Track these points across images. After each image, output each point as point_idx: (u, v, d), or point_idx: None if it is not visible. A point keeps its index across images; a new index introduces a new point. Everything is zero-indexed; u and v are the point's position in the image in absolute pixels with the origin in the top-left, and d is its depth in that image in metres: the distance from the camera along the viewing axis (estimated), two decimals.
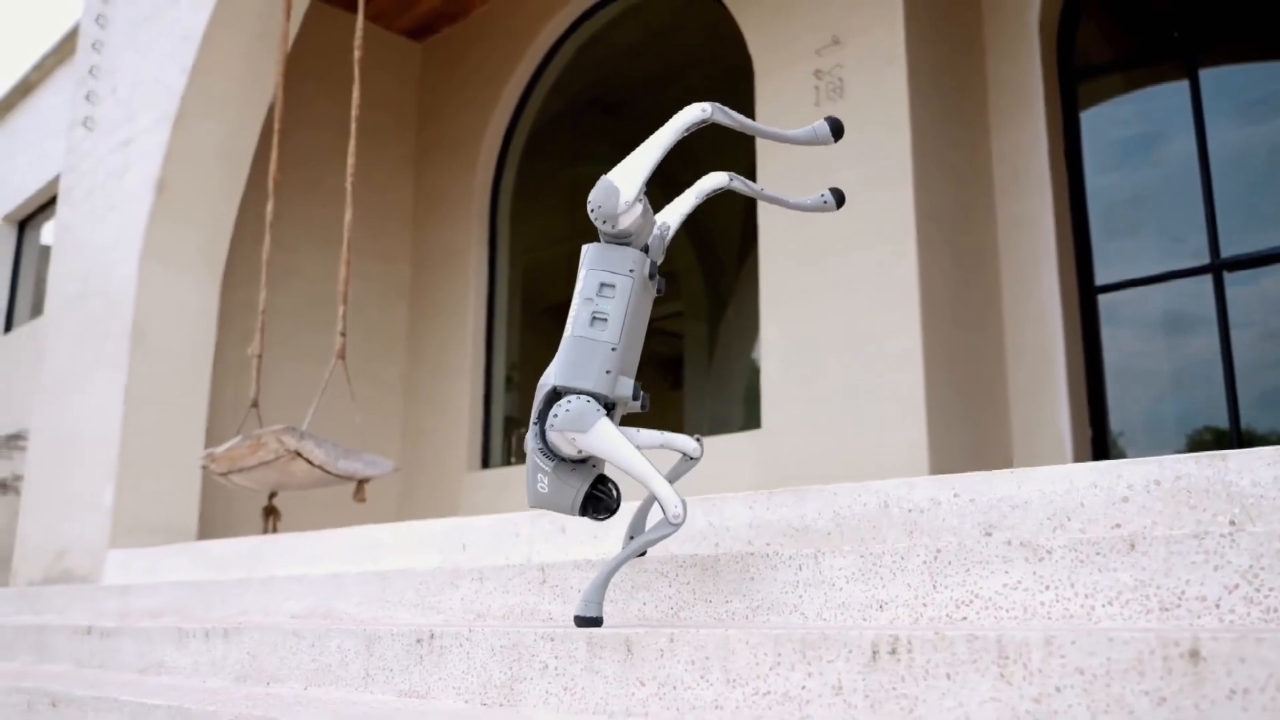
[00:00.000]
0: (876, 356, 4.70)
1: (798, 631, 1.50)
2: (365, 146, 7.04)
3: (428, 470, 6.85)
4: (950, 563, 1.72)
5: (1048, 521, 1.92)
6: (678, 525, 1.78)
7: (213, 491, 5.71)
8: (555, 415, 1.79)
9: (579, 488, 1.85)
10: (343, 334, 4.22)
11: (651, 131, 1.97)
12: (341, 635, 2.28)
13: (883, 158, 4.81)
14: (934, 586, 1.72)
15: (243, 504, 5.93)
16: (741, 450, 5.22)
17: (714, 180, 2.09)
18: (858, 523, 2.19)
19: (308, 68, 6.55)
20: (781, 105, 5.29)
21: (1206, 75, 4.85)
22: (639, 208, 1.85)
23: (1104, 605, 1.54)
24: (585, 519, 2.17)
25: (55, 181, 8.46)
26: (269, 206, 4.71)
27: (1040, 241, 5.01)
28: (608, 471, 1.97)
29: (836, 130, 2.04)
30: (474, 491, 6.54)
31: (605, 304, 1.85)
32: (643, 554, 2.13)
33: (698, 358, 7.74)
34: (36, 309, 8.72)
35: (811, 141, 2.07)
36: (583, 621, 1.81)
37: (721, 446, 5.51)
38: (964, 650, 1.33)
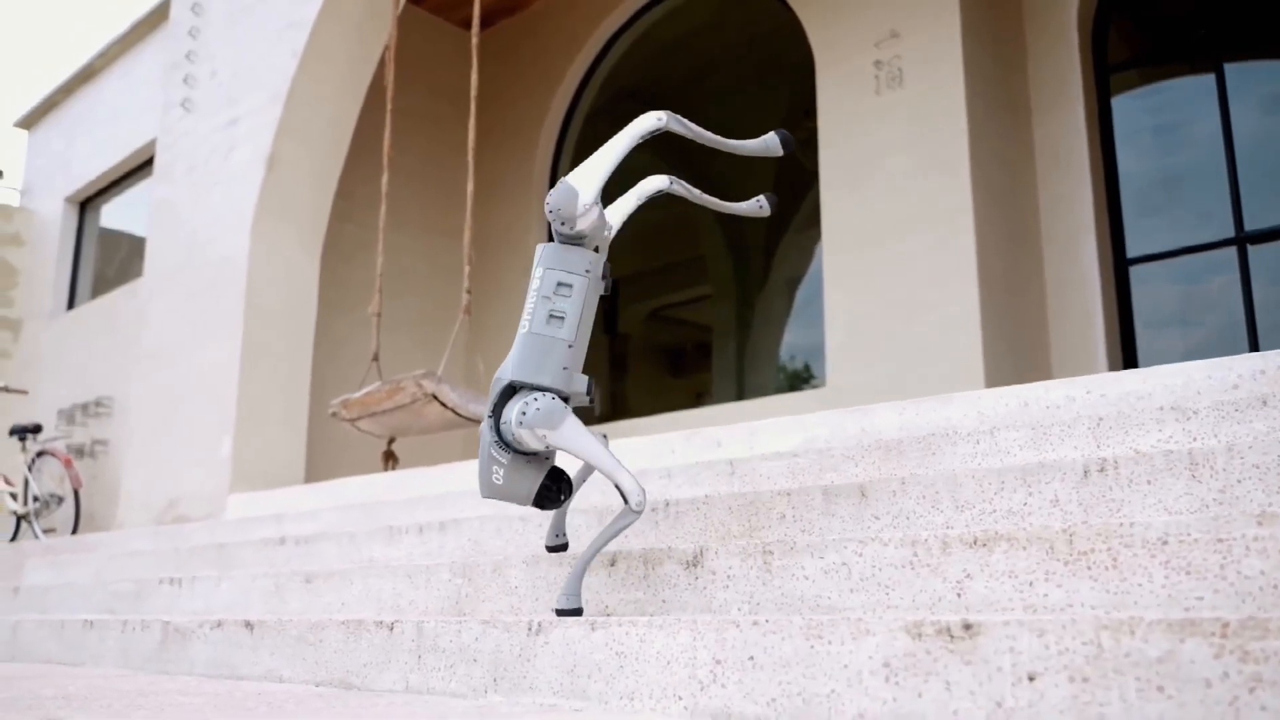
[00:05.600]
0: (938, 321, 5.20)
1: (1016, 461, 1.97)
2: (429, 131, 7.50)
3: None
4: (1111, 427, 2.20)
5: (1171, 411, 2.41)
6: (639, 513, 1.91)
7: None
8: (525, 413, 1.85)
9: (535, 479, 1.94)
10: (468, 291, 4.66)
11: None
12: (573, 514, 2.73)
13: (941, 143, 5.31)
14: (1098, 446, 2.20)
15: (327, 454, 6.35)
16: (806, 407, 5.70)
17: (654, 183, 2.17)
18: (1000, 420, 2.67)
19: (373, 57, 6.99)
20: (842, 94, 5.78)
21: (1230, 69, 5.38)
22: (595, 210, 1.95)
23: (1245, 449, 2.03)
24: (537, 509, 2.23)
25: (119, 165, 8.82)
26: (383, 179, 5.15)
27: (1079, 218, 5.52)
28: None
29: (786, 143, 2.17)
30: None
31: (562, 303, 1.93)
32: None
33: (725, 337, 8.21)
34: (97, 288, 9.07)
35: (762, 152, 2.17)
36: (564, 613, 1.91)
37: (787, 403, 6.00)
38: (1161, 462, 1.81)
